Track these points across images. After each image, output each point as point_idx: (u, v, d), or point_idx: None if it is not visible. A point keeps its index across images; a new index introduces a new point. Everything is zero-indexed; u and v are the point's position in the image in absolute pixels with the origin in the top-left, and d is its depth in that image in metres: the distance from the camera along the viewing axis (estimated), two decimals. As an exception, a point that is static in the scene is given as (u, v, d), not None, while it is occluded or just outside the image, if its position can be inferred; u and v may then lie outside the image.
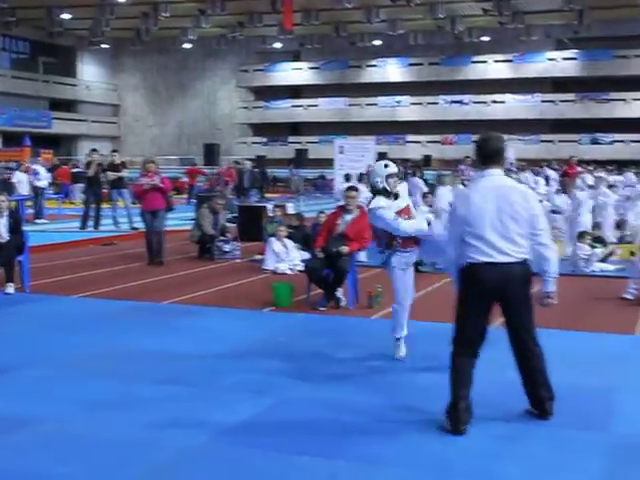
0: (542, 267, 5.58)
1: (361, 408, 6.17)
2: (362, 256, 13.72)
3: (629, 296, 10.64)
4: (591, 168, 27.22)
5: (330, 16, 42.95)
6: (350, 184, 13.26)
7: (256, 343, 8.40)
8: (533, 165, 32.57)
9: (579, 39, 44.58)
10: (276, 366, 7.42)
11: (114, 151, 20.87)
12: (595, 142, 47.20)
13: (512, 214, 5.47)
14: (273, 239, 13.81)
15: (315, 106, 53.09)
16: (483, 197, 5.55)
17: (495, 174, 5.60)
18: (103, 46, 53.54)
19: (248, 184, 27.77)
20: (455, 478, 4.85)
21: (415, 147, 48.52)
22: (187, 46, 51.41)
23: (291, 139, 52.71)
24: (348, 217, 10.37)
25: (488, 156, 5.63)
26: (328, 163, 34.49)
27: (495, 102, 48.74)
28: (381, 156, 32.86)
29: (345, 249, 10.08)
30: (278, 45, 50.02)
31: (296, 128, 54.24)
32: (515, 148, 40.86)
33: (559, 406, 5.79)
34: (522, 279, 5.58)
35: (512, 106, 48.39)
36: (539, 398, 5.78)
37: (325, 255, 10.20)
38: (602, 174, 22.22)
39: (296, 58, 54.02)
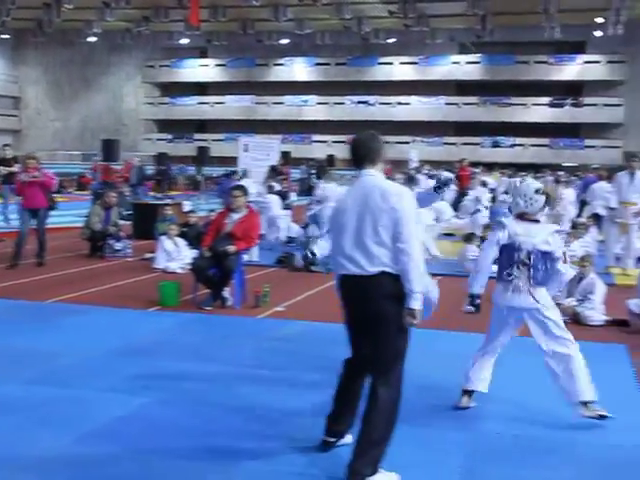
0: (403, 280, 4.68)
1: (235, 408, 6.12)
2: (254, 255, 13.75)
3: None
4: (477, 170, 27.66)
5: (237, 13, 42.79)
6: (238, 183, 13.14)
7: (136, 343, 8.26)
8: (437, 166, 33.11)
9: (482, 44, 45.49)
10: (153, 366, 7.31)
11: (5, 145, 20.25)
12: (496, 145, 48.30)
13: (370, 219, 4.76)
14: (164, 237, 13.64)
15: (222, 103, 52.82)
16: (346, 201, 5.03)
17: (367, 175, 4.96)
18: (3, 36, 52.06)
19: (135, 181, 27.27)
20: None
21: (321, 147, 48.69)
22: (92, 39, 50.42)
23: (197, 136, 52.29)
24: (236, 216, 10.31)
25: (360, 156, 5.03)
26: (234, 161, 34.33)
27: (400, 104, 49.37)
28: (284, 155, 32.90)
29: (232, 248, 10.02)
30: (185, 41, 49.55)
31: (202, 125, 53.84)
32: (419, 150, 41.61)
33: (435, 407, 5.86)
34: (379, 297, 4.75)
35: (417, 108, 49.10)
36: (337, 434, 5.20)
37: (212, 254, 10.11)
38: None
39: (203, 55, 53.65)
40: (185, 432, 5.61)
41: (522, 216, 6.07)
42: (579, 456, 5.30)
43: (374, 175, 4.96)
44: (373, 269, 4.73)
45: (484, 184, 19.07)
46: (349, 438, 5.09)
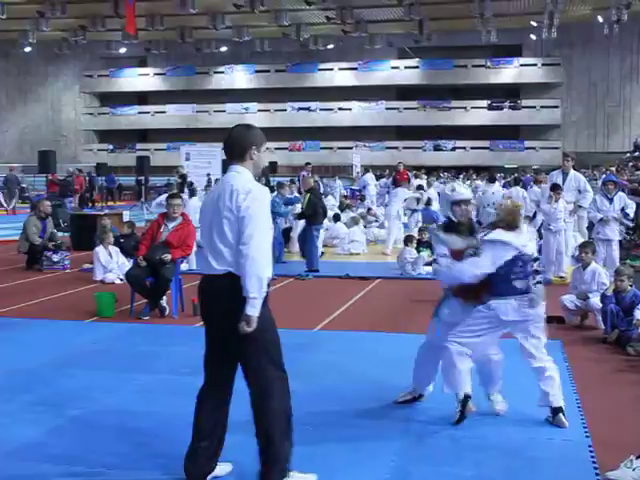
0: (242, 283, 4.43)
1: (164, 419, 6.06)
2: (193, 264, 13.66)
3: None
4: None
5: (175, 21, 42.48)
6: (173, 192, 13.04)
7: (70, 354, 8.15)
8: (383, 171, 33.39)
9: (421, 48, 45.88)
10: (87, 378, 7.22)
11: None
12: (438, 148, 48.79)
13: (218, 218, 4.58)
14: (99, 248, 13.48)
15: (163, 112, 52.51)
16: (206, 200, 4.97)
17: (231, 171, 4.69)
18: (-63, 48, 51.13)
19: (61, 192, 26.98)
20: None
21: (264, 154, 48.55)
22: (27, 50, 49.65)
23: (139, 146, 51.87)
24: (171, 225, 10.24)
25: (228, 151, 4.75)
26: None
27: (341, 109, 49.59)
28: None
29: (167, 257, 9.94)
30: (123, 50, 49.05)
31: (144, 135, 53.42)
32: (362, 155, 41.85)
33: (371, 407, 5.88)
34: (226, 298, 4.57)
35: (358, 113, 49.36)
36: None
37: (148, 263, 10.02)
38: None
39: (142, 64, 53.27)
40: (116, 445, 5.53)
41: (498, 225, 5.76)
42: (510, 452, 5.35)
43: (238, 172, 4.65)
44: (220, 269, 4.57)
45: (420, 187, 19.22)
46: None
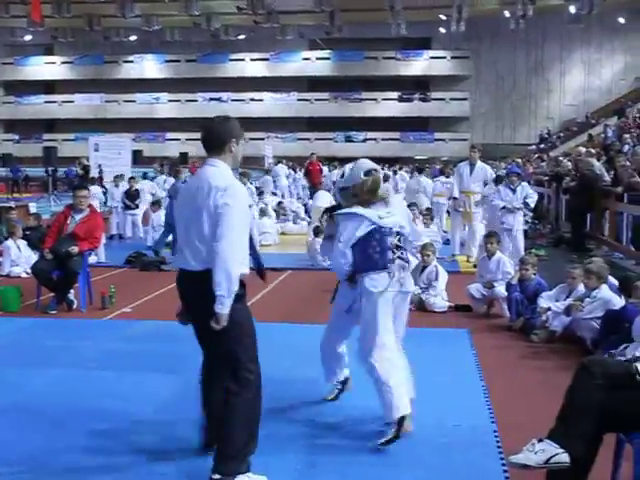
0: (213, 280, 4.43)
1: (72, 413, 5.96)
2: (102, 256, 13.47)
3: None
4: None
5: (83, 9, 41.76)
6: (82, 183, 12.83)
7: (-27, 351, 7.92)
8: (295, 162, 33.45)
9: (332, 40, 46.11)
10: (-10, 375, 7.03)
11: None
12: (349, 140, 49.13)
13: (196, 213, 4.54)
14: (8, 243, 13.14)
15: (71, 102, 51.45)
16: (183, 194, 4.93)
17: (208, 165, 4.65)
18: None
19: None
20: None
21: (175, 145, 48.16)
22: None
23: (46, 136, 50.73)
24: (78, 216, 10.04)
25: (205, 144, 4.70)
26: (85, 161, 33.53)
27: (253, 100, 49.50)
28: (136, 153, 32.36)
29: (75, 249, 9.75)
30: (28, 38, 47.83)
31: (51, 125, 52.24)
32: (273, 146, 41.77)
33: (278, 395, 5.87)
34: (201, 294, 4.51)
35: (270, 104, 49.32)
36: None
37: (55, 256, 9.81)
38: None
39: (49, 52, 52.09)
40: (22, 442, 5.41)
41: (354, 202, 5.59)
42: (418, 440, 5.42)
43: (215, 166, 4.61)
44: (197, 265, 4.56)
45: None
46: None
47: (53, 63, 52.09)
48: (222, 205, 4.44)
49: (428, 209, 16.80)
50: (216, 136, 4.67)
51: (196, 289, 4.57)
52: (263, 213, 17.70)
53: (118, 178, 19.83)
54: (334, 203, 6.14)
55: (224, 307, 4.41)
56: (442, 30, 45.08)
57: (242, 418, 4.60)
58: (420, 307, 9.89)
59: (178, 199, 4.99)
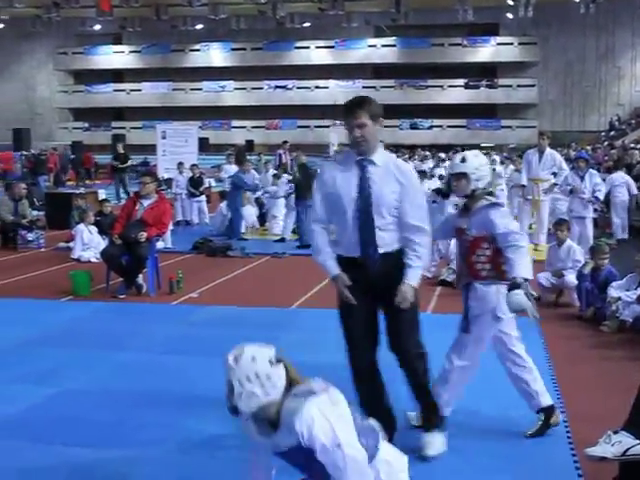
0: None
1: (144, 395, 6.04)
2: (168, 242, 13.65)
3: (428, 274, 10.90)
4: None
5: (150, -2, 42.22)
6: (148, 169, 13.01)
7: (45, 333, 8.10)
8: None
9: (398, 27, 45.77)
10: (62, 356, 7.19)
11: None
12: (415, 127, 48.80)
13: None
14: (80, 227, 13.42)
15: (138, 90, 52.09)
16: None
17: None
18: None
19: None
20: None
21: (240, 132, 48.46)
22: (0, 27, 49.05)
23: (115, 124, 51.49)
24: (146, 203, 10.18)
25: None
26: (152, 149, 33.95)
27: (318, 87, 49.42)
28: (203, 141, 32.62)
29: (143, 235, 9.88)
30: (97, 27, 48.57)
31: (120, 113, 53.00)
32: (338, 133, 41.65)
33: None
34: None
35: (335, 91, 49.13)
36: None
37: (123, 241, 9.96)
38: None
39: (117, 41, 52.76)
40: (93, 422, 5.52)
41: None
42: (485, 429, 5.36)
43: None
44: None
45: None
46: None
47: (121, 52, 52.73)
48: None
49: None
50: None
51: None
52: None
53: (181, 165, 19.89)
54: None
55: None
56: (509, 16, 44.36)
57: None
58: (487, 295, 9.78)
59: None
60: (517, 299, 4.62)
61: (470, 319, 5.10)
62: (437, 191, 5.93)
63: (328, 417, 3.14)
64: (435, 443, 4.87)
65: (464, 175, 5.13)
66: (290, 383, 3.30)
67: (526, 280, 4.70)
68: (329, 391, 3.26)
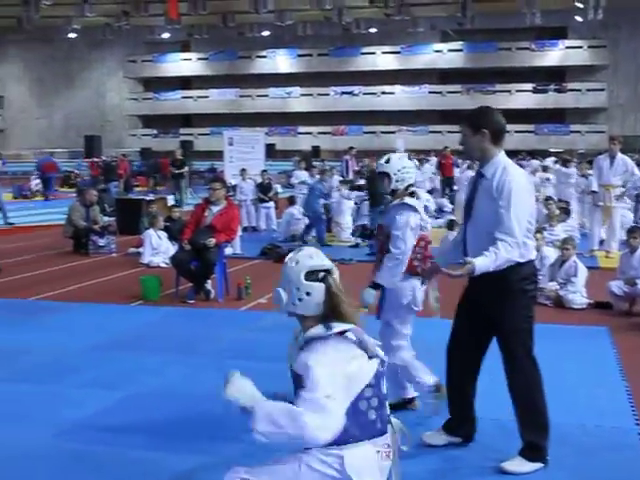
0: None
1: (209, 402, 6.07)
2: (237, 248, 13.75)
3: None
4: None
5: (217, 6, 42.56)
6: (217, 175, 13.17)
7: (116, 337, 8.23)
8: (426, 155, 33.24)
9: (464, 31, 45.44)
10: (133, 360, 7.29)
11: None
12: (482, 132, 48.26)
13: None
14: (150, 232, 13.63)
15: (206, 97, 52.67)
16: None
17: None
18: (-17, 35, 51.83)
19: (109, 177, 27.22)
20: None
21: (307, 138, 48.62)
22: (72, 36, 50.13)
23: (182, 131, 52.17)
24: (215, 209, 10.28)
25: (502, 137, 4.92)
26: (220, 155, 34.29)
27: (384, 93, 49.32)
28: (269, 148, 32.84)
29: (212, 241, 9.99)
30: (166, 35, 49.27)
31: (188, 120, 53.68)
32: (405, 139, 41.57)
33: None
34: None
35: (401, 97, 49.08)
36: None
37: (192, 247, 10.08)
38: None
39: (185, 49, 53.46)
40: (164, 426, 5.59)
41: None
42: (558, 439, 5.26)
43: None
44: None
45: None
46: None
47: (189, 59, 53.38)
48: None
49: (565, 202, 16.30)
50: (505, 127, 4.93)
51: None
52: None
53: (244, 172, 19.86)
54: None
55: None
56: (578, 19, 43.63)
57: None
58: (558, 303, 9.65)
59: None
60: (365, 296, 5.43)
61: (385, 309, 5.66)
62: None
63: (326, 363, 3.33)
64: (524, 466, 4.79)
65: (386, 175, 5.62)
66: (333, 311, 3.42)
67: (380, 286, 5.47)
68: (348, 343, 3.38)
